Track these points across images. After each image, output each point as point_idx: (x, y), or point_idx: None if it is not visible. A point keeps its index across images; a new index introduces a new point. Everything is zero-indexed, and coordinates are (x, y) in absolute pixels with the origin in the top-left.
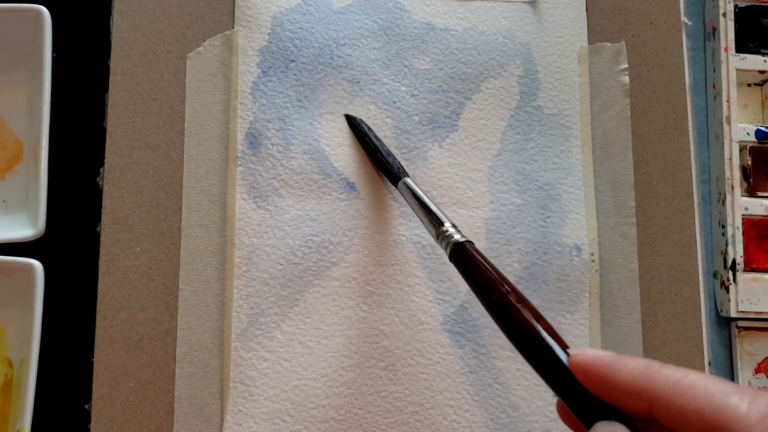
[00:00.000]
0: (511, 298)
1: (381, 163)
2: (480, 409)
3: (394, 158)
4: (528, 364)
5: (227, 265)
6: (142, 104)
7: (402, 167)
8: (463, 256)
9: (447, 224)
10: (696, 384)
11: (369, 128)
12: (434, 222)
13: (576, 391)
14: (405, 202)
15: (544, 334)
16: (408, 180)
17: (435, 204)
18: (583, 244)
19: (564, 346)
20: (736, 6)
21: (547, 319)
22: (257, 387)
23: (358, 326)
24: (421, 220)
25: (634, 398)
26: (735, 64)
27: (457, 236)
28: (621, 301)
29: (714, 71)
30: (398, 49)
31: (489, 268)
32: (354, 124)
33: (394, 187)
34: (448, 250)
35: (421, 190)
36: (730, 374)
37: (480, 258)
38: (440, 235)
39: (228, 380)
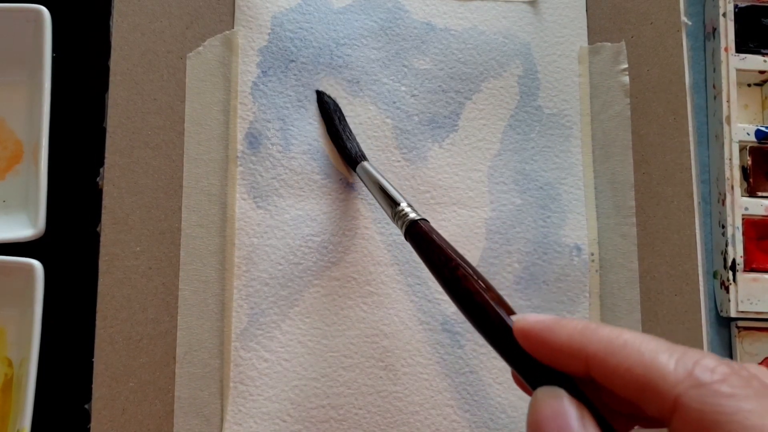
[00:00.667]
0: (461, 272)
1: (340, 147)
2: (480, 409)
3: (355, 143)
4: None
5: (227, 265)
6: (142, 104)
7: (361, 152)
8: (417, 234)
9: (403, 204)
10: (629, 343)
11: (336, 108)
12: (391, 202)
13: (521, 357)
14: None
15: (492, 303)
16: (366, 164)
17: (392, 185)
18: (583, 244)
19: (510, 313)
20: (736, 6)
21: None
22: (257, 387)
23: (358, 326)
24: (378, 202)
25: (572, 359)
26: (735, 64)
27: (412, 215)
28: (621, 301)
29: (714, 71)
30: (398, 49)
31: (441, 243)
32: (322, 102)
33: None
34: (404, 228)
35: (378, 173)
36: None
37: (433, 235)
38: (396, 215)
39: (228, 380)
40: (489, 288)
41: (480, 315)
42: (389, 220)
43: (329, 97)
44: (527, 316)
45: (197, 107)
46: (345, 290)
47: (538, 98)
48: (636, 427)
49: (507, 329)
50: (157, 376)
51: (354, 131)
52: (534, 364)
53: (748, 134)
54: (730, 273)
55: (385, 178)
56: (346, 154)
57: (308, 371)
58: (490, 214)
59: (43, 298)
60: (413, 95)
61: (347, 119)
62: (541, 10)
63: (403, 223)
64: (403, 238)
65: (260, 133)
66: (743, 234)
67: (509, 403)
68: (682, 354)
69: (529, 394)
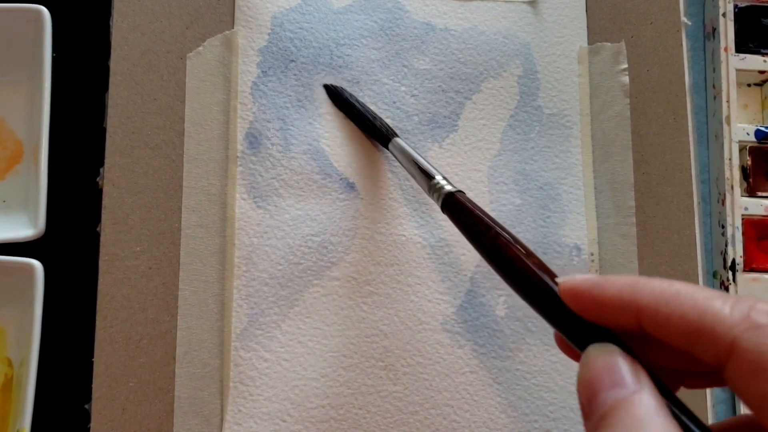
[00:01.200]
0: (502, 239)
1: (369, 128)
2: (480, 409)
3: (382, 120)
4: (550, 326)
5: (227, 265)
6: (142, 104)
7: (390, 128)
8: (454, 205)
9: (438, 177)
10: (681, 292)
11: (351, 94)
12: (426, 176)
13: (568, 318)
14: (403, 201)
15: (535, 268)
16: (398, 140)
17: (426, 159)
18: (582, 244)
19: (553, 276)
20: (735, 6)
21: None
22: (257, 387)
23: (358, 326)
24: (413, 176)
25: (622, 313)
26: (735, 64)
27: (448, 187)
28: None
29: (714, 71)
30: (398, 49)
31: (480, 213)
32: (335, 93)
33: (394, 186)
34: (440, 201)
35: (411, 147)
36: None
37: (470, 205)
38: (432, 188)
39: (228, 380)
40: (530, 254)
41: (523, 281)
42: (389, 220)
43: (337, 86)
44: (573, 275)
45: (197, 107)
46: (345, 290)
47: (538, 98)
48: (681, 388)
49: (552, 293)
50: (157, 376)
51: (354, 131)
52: (582, 324)
53: (748, 134)
54: (730, 273)
55: (418, 153)
56: (377, 132)
57: (308, 371)
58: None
59: (43, 298)
60: (413, 95)
61: (348, 119)
62: (541, 10)
63: (440, 195)
64: (404, 236)
65: (260, 133)
66: (743, 234)
67: (509, 403)
68: (737, 300)
69: (575, 359)
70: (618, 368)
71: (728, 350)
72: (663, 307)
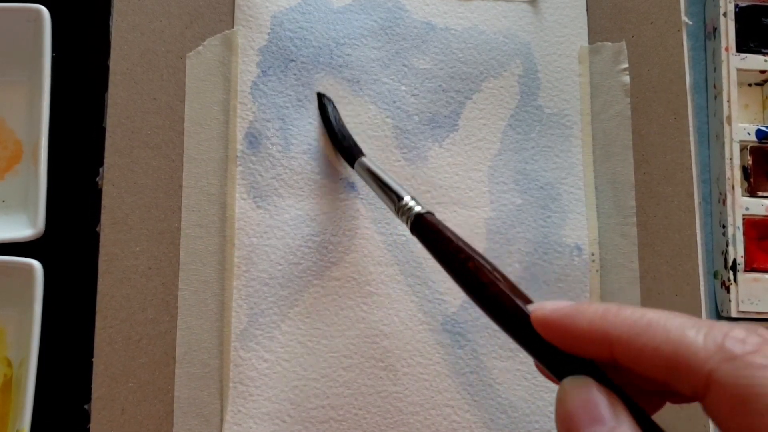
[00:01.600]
0: (473, 263)
1: (337, 146)
2: (480, 410)
3: (352, 140)
4: (518, 346)
5: (227, 265)
6: (142, 104)
7: (358, 147)
8: (424, 227)
9: (407, 197)
10: (653, 322)
11: (334, 109)
12: (393, 197)
13: (542, 347)
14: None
15: (508, 293)
16: (364, 159)
17: (393, 179)
18: (583, 244)
19: (527, 302)
20: (736, 6)
21: None
22: (257, 387)
23: (358, 326)
24: (380, 198)
25: (595, 345)
26: (735, 63)
27: (417, 208)
28: (621, 301)
29: (714, 71)
30: (398, 49)
31: (450, 235)
32: (321, 105)
33: None
34: (409, 223)
35: (378, 167)
36: None
37: (440, 227)
38: (400, 210)
39: (227, 380)
40: (503, 278)
41: (496, 307)
42: (389, 220)
43: (327, 98)
44: (544, 304)
45: (197, 107)
46: (345, 290)
47: (539, 98)
48: (667, 404)
49: (525, 319)
50: (157, 377)
51: (354, 131)
52: (556, 353)
53: (749, 134)
54: (731, 273)
55: (385, 173)
56: (344, 151)
57: (308, 371)
58: (490, 214)
59: (42, 298)
60: (413, 95)
61: (347, 118)
62: (541, 10)
63: (408, 217)
64: (404, 236)
65: (260, 133)
66: (744, 234)
67: (509, 404)
68: (710, 327)
69: (555, 382)
70: (595, 403)
71: (705, 384)
72: (635, 339)
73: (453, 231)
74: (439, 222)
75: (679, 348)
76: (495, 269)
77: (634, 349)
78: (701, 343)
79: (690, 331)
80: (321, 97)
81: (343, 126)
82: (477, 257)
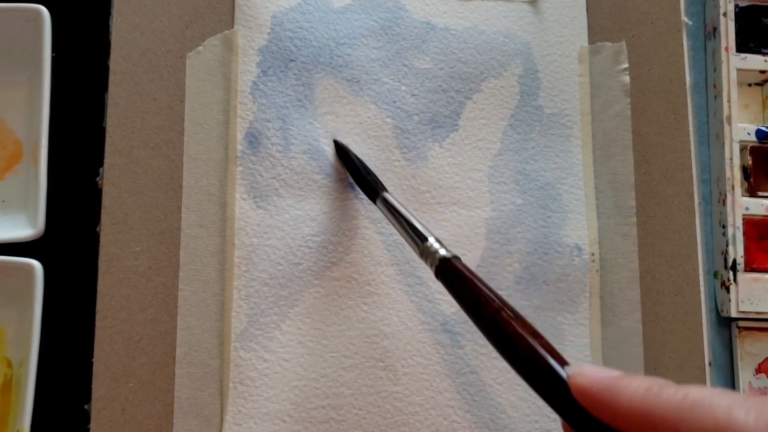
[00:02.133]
0: (504, 314)
1: (359, 180)
2: (480, 410)
3: (373, 175)
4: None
5: (227, 265)
6: (142, 104)
7: (381, 183)
8: (451, 272)
9: (431, 239)
10: (698, 404)
11: (350, 150)
12: (417, 237)
13: (578, 412)
14: (404, 202)
15: (542, 351)
16: (387, 195)
17: (417, 218)
18: (583, 244)
19: (563, 363)
20: (736, 6)
21: (547, 319)
22: (257, 387)
23: (358, 326)
24: (402, 236)
25: (636, 424)
26: (735, 63)
27: (442, 251)
28: (621, 301)
29: (714, 71)
30: (398, 49)
31: (479, 283)
32: (340, 146)
33: (394, 186)
34: (433, 267)
35: (399, 203)
36: (731, 375)
37: (468, 273)
38: (424, 252)
39: (228, 380)
40: (536, 334)
41: (528, 364)
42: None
43: (343, 145)
44: (583, 369)
45: (197, 107)
46: (345, 290)
47: (539, 98)
48: None
49: (561, 382)
50: (157, 377)
51: (354, 131)
52: (593, 423)
53: (749, 134)
54: (731, 273)
55: (408, 210)
56: (366, 186)
57: (308, 372)
58: (490, 214)
59: (42, 298)
60: (413, 95)
61: (347, 118)
62: (541, 10)
63: (432, 261)
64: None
65: (260, 133)
66: (744, 234)
67: (510, 404)
68: (761, 407)
69: None
70: None
71: None
72: (681, 424)
73: (480, 278)
74: (466, 267)
75: (728, 430)
76: (527, 324)
77: None
78: (752, 425)
79: (738, 412)
80: (336, 142)
81: (363, 162)
82: (508, 310)
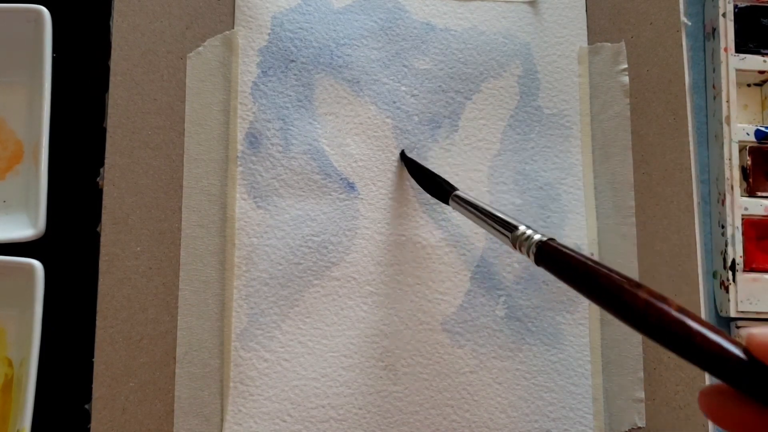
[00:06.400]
0: (624, 284)
1: (429, 184)
2: (480, 409)
3: (441, 177)
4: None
5: (227, 265)
6: (142, 104)
7: (450, 183)
8: (555, 254)
9: (522, 227)
10: None
11: (417, 162)
12: (504, 228)
13: (756, 373)
14: (403, 201)
15: (673, 312)
16: (460, 192)
17: (499, 210)
18: (583, 244)
19: (721, 333)
20: (735, 6)
21: (547, 318)
22: (257, 387)
23: (358, 326)
24: (487, 230)
25: None
26: (735, 64)
27: (537, 236)
28: None
29: (714, 71)
30: (398, 49)
31: (581, 257)
32: (409, 160)
33: (394, 186)
34: (531, 254)
35: (475, 198)
36: None
37: (568, 249)
38: (517, 240)
39: (228, 380)
40: (662, 297)
41: (662, 328)
42: (389, 220)
43: (410, 157)
44: (752, 330)
45: (197, 107)
46: (345, 290)
47: (538, 98)
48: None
49: (724, 351)
50: (157, 376)
51: (354, 131)
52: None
53: (748, 134)
54: (730, 273)
55: (487, 204)
56: (436, 188)
57: (308, 371)
58: None
59: (43, 298)
60: (413, 95)
61: (347, 119)
62: (540, 11)
63: (529, 247)
64: (403, 236)
65: (260, 133)
66: (743, 234)
67: (509, 403)
68: None
69: (729, 420)
70: None
71: None
72: None
73: (582, 253)
74: (566, 246)
75: None
76: (648, 288)
77: None
78: None
79: None
80: (403, 153)
81: (427, 168)
82: (622, 277)
